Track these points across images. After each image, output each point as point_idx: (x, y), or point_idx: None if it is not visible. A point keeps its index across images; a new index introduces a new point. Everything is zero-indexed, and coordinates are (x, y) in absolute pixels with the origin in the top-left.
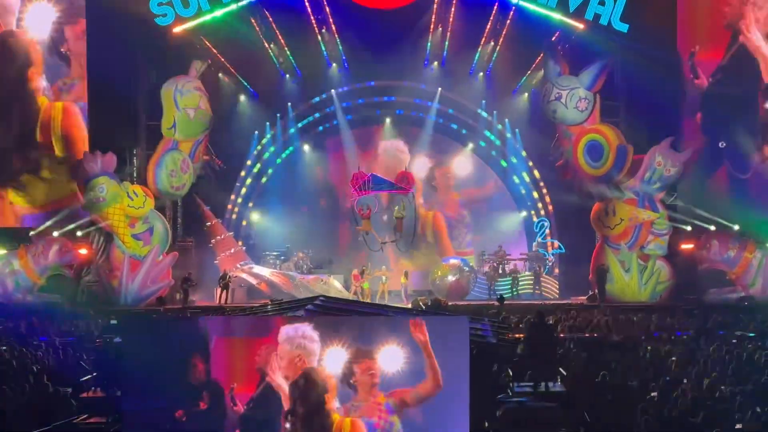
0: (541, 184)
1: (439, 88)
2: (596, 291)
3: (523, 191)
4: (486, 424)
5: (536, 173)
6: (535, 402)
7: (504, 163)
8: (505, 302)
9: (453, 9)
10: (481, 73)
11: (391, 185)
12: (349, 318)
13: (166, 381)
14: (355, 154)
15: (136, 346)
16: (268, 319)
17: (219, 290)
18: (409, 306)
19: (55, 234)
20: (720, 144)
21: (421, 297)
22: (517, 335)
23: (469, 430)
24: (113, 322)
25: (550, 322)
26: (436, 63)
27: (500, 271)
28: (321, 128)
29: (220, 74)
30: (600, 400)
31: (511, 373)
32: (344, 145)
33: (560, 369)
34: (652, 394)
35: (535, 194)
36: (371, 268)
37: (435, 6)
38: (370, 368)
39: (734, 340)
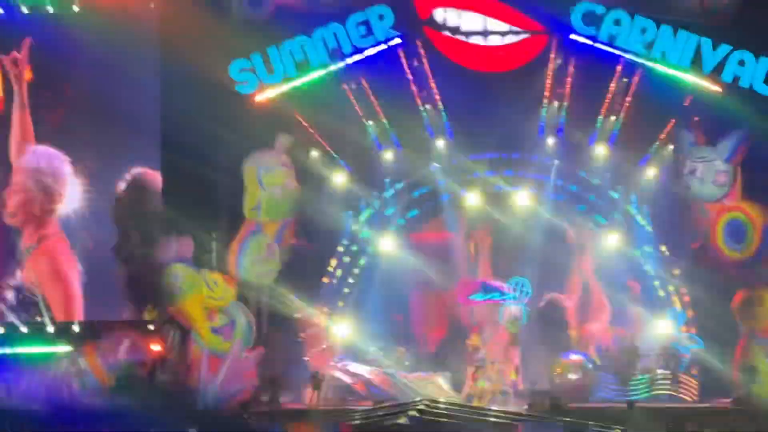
0: (675, 270)
1: (556, 161)
2: (742, 392)
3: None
4: None
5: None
6: None
7: (637, 253)
8: (635, 405)
9: (570, 74)
10: (603, 146)
11: (502, 294)
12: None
13: None
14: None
15: None
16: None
17: (310, 391)
18: (525, 408)
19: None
20: None
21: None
22: None
23: None
24: (191, 431)
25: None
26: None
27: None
28: (421, 210)
29: (309, 149)
30: None
31: None
32: (448, 226)
33: None
34: None
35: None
36: (486, 363)
37: (551, 68)
38: None
39: None
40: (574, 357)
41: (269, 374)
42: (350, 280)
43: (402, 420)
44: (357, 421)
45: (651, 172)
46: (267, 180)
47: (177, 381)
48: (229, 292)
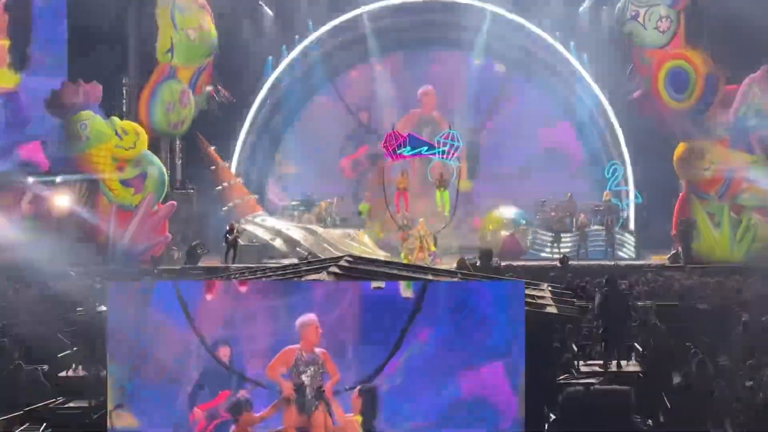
0: (614, 121)
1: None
2: (680, 249)
3: (593, 130)
4: (545, 410)
5: (608, 108)
6: (604, 385)
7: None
8: (569, 263)
9: None
10: None
11: (432, 148)
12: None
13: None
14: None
15: (122, 316)
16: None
17: (226, 247)
18: (454, 266)
19: (31, 180)
20: None
21: (467, 257)
22: (583, 304)
23: (525, 416)
24: (97, 286)
25: (624, 287)
26: None
27: (567, 225)
28: (347, 54)
29: None
30: (682, 381)
31: (576, 350)
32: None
33: (635, 344)
34: (748, 382)
35: (607, 134)
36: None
37: None
38: None
39: None
40: (506, 211)
41: (187, 247)
42: (271, 128)
43: (321, 277)
44: (272, 277)
45: (589, 17)
46: (181, 21)
47: (84, 236)
48: (140, 141)
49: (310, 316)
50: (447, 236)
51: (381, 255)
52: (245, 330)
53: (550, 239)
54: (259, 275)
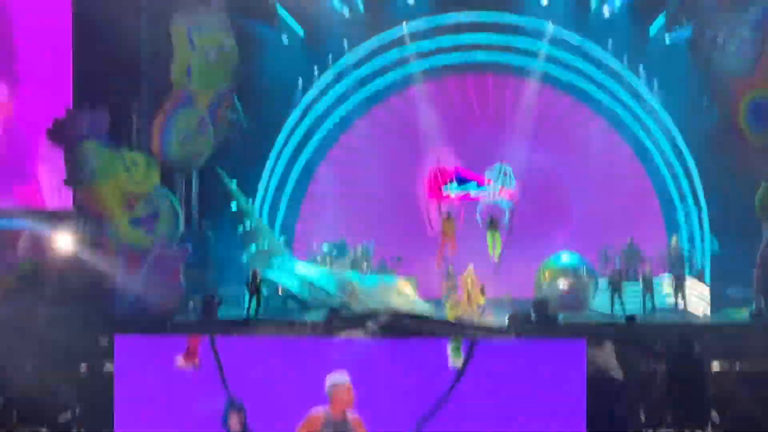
0: (688, 157)
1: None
2: (763, 304)
3: (664, 167)
4: None
5: (681, 143)
6: None
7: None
8: (635, 319)
9: None
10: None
11: (481, 186)
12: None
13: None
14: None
15: (132, 375)
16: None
17: (248, 297)
18: (506, 320)
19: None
20: None
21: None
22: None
23: None
24: (103, 343)
25: (697, 351)
26: None
27: (630, 275)
28: (389, 79)
29: (251, 2)
30: None
31: (644, 419)
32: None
33: (713, 412)
34: None
35: (680, 172)
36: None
37: None
38: None
39: None
40: (566, 258)
41: (203, 296)
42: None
43: (358, 333)
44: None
45: (660, 41)
46: (200, 40)
47: (89, 282)
48: (151, 175)
49: (342, 375)
50: (498, 286)
51: (424, 308)
52: (266, 391)
53: (611, 291)
54: (285, 331)
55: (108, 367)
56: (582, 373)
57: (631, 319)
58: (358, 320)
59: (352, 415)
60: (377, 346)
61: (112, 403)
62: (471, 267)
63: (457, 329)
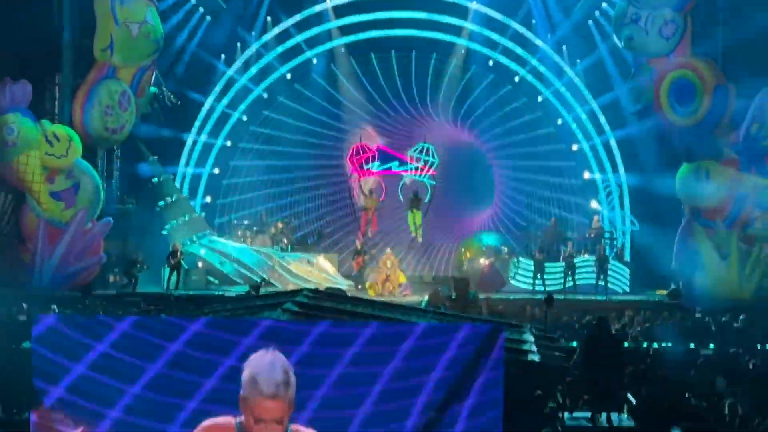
0: (611, 138)
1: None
2: (681, 283)
3: (587, 148)
4: None
5: (604, 124)
6: None
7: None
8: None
9: None
10: None
11: (404, 164)
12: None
13: None
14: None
15: (53, 355)
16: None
17: (168, 271)
18: (426, 298)
19: None
20: None
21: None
22: (569, 346)
23: None
24: (21, 318)
25: (616, 328)
26: None
27: (552, 254)
28: (311, 54)
29: None
30: None
31: (561, 400)
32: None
33: (628, 395)
34: None
35: (601, 151)
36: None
37: None
38: None
39: None
40: (486, 237)
41: (126, 257)
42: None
43: (276, 314)
44: (219, 314)
45: (584, 21)
46: (123, 14)
47: (8, 255)
48: (73, 148)
49: (275, 363)
50: (419, 264)
51: (344, 284)
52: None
53: (533, 270)
54: (206, 310)
55: (26, 343)
56: (500, 355)
57: (550, 295)
58: (277, 297)
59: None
60: (296, 327)
61: (30, 380)
62: (389, 249)
63: (376, 307)
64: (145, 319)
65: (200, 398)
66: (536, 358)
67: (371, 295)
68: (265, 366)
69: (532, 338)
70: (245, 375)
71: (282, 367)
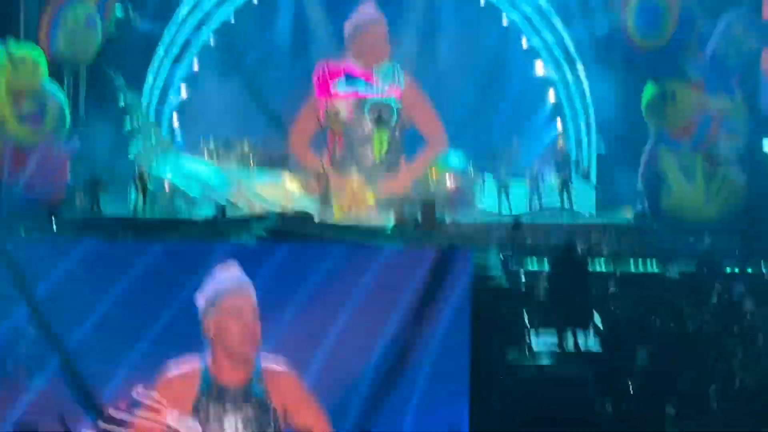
0: (577, 61)
1: None
2: (647, 205)
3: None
4: (492, 400)
5: (570, 46)
6: (559, 368)
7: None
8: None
9: None
10: None
11: (368, 86)
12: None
13: None
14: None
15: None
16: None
17: (134, 194)
18: (392, 221)
19: None
20: None
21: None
22: (536, 270)
23: (469, 409)
24: None
25: (582, 250)
26: None
27: (517, 176)
28: None
29: None
30: (648, 361)
31: (527, 323)
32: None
33: (595, 318)
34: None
35: (567, 72)
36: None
37: None
38: None
39: None
40: (452, 158)
41: (88, 174)
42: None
43: (244, 238)
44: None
45: None
46: None
47: None
48: (39, 71)
49: (235, 278)
50: (386, 185)
51: (310, 206)
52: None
53: (499, 192)
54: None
55: None
56: (466, 279)
57: (517, 219)
58: (244, 220)
59: (271, 368)
60: (263, 250)
61: None
62: (356, 169)
63: (342, 231)
64: (109, 244)
65: (163, 325)
66: (503, 281)
67: (338, 217)
68: (221, 272)
69: (498, 262)
70: (206, 293)
71: (239, 270)
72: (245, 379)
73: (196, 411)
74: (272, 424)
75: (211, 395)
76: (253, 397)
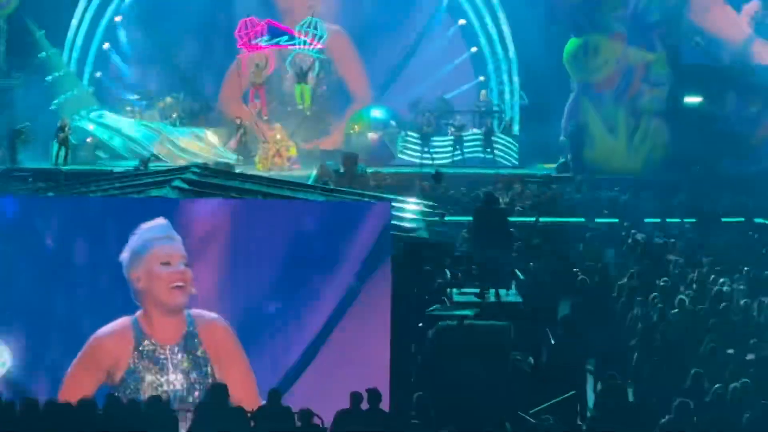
0: (500, 14)
1: None
2: (569, 157)
3: (474, 21)
4: (413, 348)
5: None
6: (480, 318)
7: None
8: (443, 174)
9: None
10: None
11: (292, 38)
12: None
13: None
14: None
15: None
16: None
17: (56, 146)
18: (314, 172)
19: None
20: None
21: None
22: (457, 220)
23: (390, 357)
24: None
25: (504, 201)
26: None
27: (440, 128)
28: None
29: None
30: (572, 312)
31: (449, 275)
32: None
33: (516, 270)
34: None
35: (490, 25)
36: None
37: None
38: None
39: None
40: (375, 111)
41: (7, 126)
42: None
43: (165, 191)
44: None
45: None
46: None
47: None
48: None
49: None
50: (309, 137)
51: (233, 159)
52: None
53: (420, 143)
54: (92, 187)
55: None
56: (387, 231)
57: (438, 170)
58: (166, 174)
59: (203, 316)
60: (185, 203)
61: None
62: (278, 124)
63: (264, 184)
64: (31, 198)
65: (88, 284)
66: (424, 233)
67: (260, 169)
68: (146, 225)
69: (420, 213)
70: (132, 244)
71: (165, 221)
72: (179, 335)
73: (132, 370)
74: (209, 378)
75: (145, 353)
76: (189, 352)
